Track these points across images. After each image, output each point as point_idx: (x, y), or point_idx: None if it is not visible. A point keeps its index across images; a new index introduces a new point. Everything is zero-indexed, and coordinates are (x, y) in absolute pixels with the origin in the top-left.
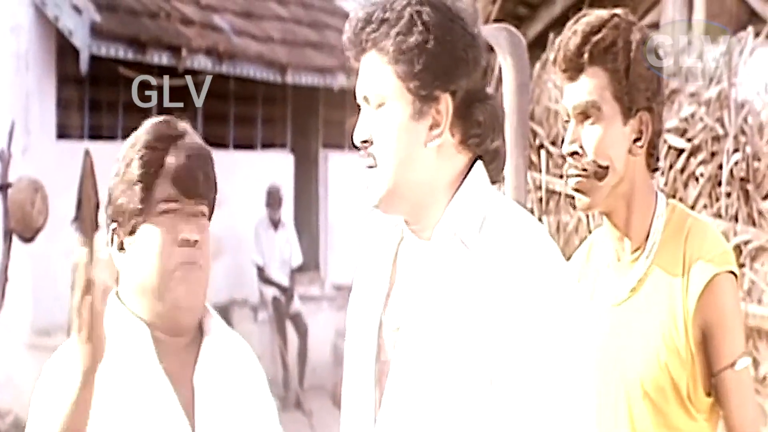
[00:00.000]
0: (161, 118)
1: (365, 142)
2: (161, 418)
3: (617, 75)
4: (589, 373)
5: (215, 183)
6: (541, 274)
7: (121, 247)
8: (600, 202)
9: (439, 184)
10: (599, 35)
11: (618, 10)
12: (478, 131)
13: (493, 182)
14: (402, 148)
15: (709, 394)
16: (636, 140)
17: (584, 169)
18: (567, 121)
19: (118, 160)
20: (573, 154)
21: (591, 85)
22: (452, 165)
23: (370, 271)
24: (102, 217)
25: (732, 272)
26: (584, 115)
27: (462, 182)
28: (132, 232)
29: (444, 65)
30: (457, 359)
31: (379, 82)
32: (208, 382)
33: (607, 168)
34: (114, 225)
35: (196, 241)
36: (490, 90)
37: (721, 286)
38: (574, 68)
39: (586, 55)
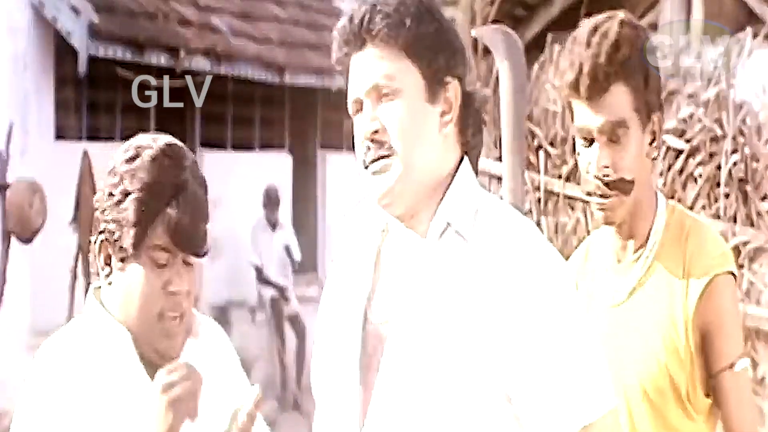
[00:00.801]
0: (164, 147)
1: (376, 132)
2: (144, 419)
3: (637, 86)
4: (600, 346)
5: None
6: (540, 264)
7: (108, 263)
8: (625, 214)
9: (438, 176)
10: (620, 53)
11: (620, 13)
12: (475, 121)
13: None
14: (420, 134)
15: (708, 395)
16: (650, 142)
17: (615, 188)
18: (589, 144)
19: (113, 169)
20: (604, 176)
21: (615, 103)
22: (450, 157)
23: (349, 267)
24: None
25: (731, 273)
26: (612, 134)
27: (453, 177)
28: (121, 260)
29: (451, 51)
30: (458, 353)
31: (392, 70)
32: None
33: (632, 181)
34: (102, 237)
35: (185, 290)
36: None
37: (721, 288)
38: (598, 90)
39: (612, 72)
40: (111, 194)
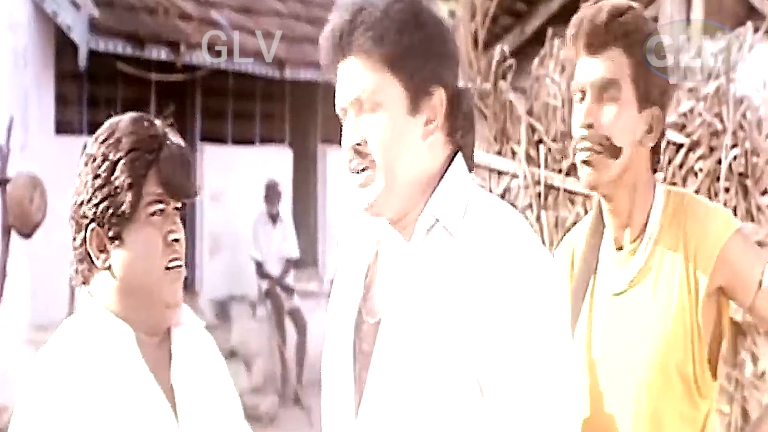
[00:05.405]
0: (136, 115)
1: (358, 144)
2: (150, 417)
3: (637, 60)
4: (575, 355)
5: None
6: (526, 262)
7: (102, 249)
8: (606, 182)
9: (426, 177)
10: (626, 17)
11: (634, 3)
12: (464, 123)
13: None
14: (402, 146)
15: (714, 377)
16: (647, 131)
17: (599, 144)
18: (582, 99)
19: (90, 156)
20: (588, 126)
21: (613, 63)
22: (437, 158)
23: (350, 267)
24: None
25: (736, 230)
26: (602, 92)
27: (443, 174)
28: (116, 237)
29: (437, 61)
30: (441, 347)
31: (373, 84)
32: (184, 378)
33: (620, 149)
34: (93, 226)
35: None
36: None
37: (733, 249)
38: (597, 44)
39: (611, 33)
40: (96, 176)
